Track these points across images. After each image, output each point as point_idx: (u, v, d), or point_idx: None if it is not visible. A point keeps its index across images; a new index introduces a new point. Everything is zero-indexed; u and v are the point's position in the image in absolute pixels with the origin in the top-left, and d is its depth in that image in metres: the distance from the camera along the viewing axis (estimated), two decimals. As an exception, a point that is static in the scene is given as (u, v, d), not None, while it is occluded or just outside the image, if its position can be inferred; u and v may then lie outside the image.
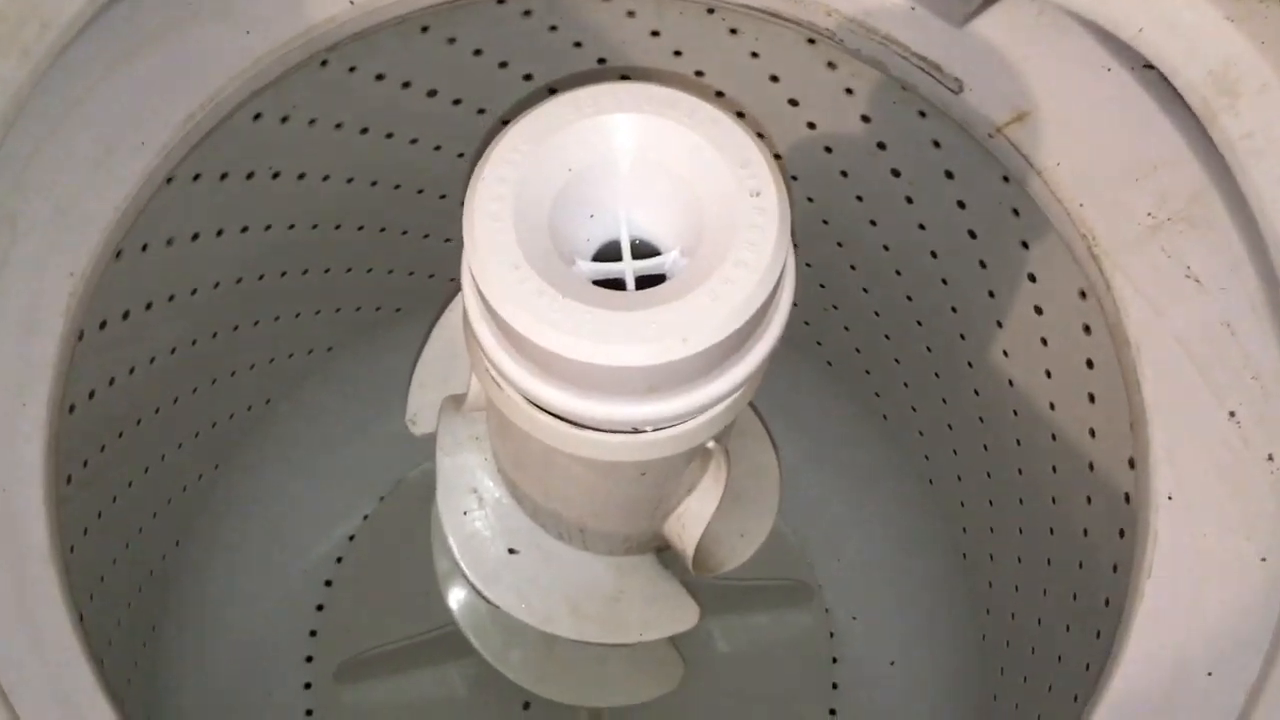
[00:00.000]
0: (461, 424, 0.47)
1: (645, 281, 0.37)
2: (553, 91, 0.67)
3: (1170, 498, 0.43)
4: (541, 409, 0.38)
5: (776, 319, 0.37)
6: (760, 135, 0.36)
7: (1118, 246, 0.46)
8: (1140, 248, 0.46)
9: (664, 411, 0.36)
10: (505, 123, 0.67)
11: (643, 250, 0.38)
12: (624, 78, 0.66)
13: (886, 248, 0.71)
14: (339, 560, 0.83)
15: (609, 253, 0.38)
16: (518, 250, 0.34)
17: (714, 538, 0.47)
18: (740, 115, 0.35)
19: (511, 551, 0.48)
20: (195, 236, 0.60)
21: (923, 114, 0.58)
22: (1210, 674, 0.39)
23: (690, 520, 0.45)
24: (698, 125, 0.35)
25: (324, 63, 0.53)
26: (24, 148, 0.42)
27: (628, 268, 0.37)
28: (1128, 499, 0.54)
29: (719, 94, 0.66)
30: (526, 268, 0.34)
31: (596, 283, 0.36)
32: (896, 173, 0.64)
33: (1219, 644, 0.39)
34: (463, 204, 0.78)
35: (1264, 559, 0.40)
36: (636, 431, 0.38)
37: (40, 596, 0.39)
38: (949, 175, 0.61)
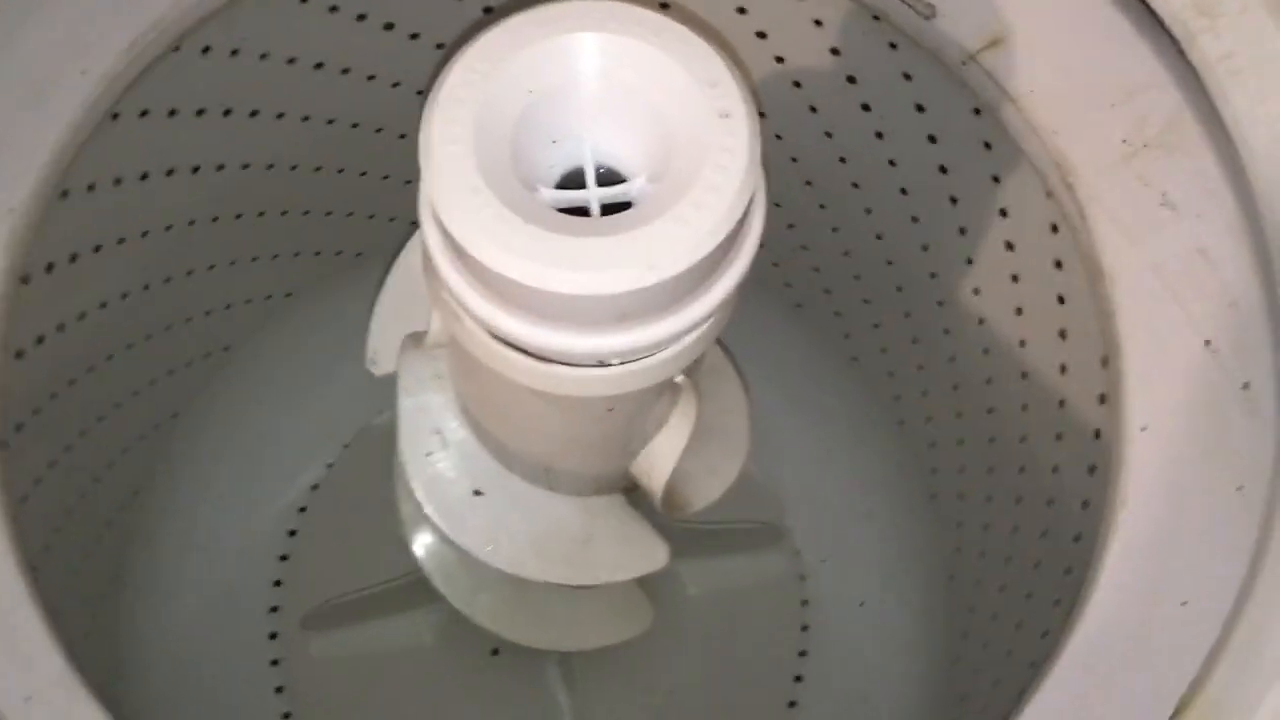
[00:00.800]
0: (423, 363, 0.46)
1: (610, 210, 0.36)
2: (488, 11, 0.65)
3: (1144, 428, 0.42)
4: (505, 343, 0.37)
5: (747, 245, 0.36)
6: (731, 54, 0.34)
7: (1092, 175, 0.46)
8: (1115, 175, 0.45)
9: (631, 343, 0.35)
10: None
11: (608, 178, 0.37)
12: None
13: (856, 185, 0.69)
14: (302, 510, 0.81)
15: (573, 180, 0.37)
16: (477, 175, 0.33)
17: (683, 476, 0.46)
18: (712, 36, 0.34)
19: (477, 493, 0.47)
20: (144, 176, 0.58)
21: (893, 45, 0.57)
22: (1185, 603, 0.39)
23: (658, 459, 0.44)
24: (665, 44, 0.34)
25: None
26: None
27: (592, 195, 0.36)
28: (1098, 435, 0.54)
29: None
30: (487, 193, 0.33)
31: (560, 211, 0.35)
32: (866, 107, 0.63)
33: (1194, 574, 0.39)
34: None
35: (1240, 488, 0.40)
36: (603, 365, 0.37)
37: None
38: (920, 109, 0.60)
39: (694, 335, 0.37)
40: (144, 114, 0.55)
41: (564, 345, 0.35)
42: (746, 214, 0.34)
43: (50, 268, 0.52)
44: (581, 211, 0.36)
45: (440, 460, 0.47)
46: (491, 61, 0.34)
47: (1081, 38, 0.47)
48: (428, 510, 0.47)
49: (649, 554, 0.49)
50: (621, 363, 0.36)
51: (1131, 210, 0.45)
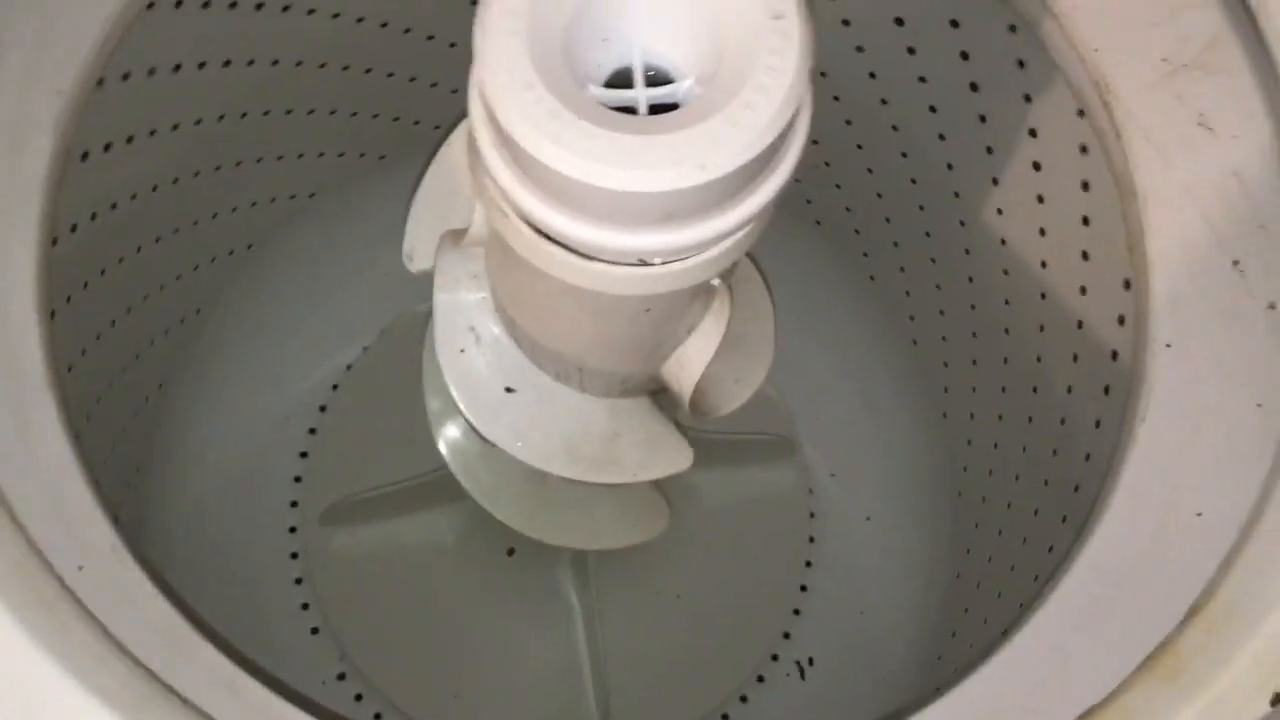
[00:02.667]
0: (460, 260, 0.46)
1: (658, 110, 0.36)
2: None
3: (1169, 345, 0.43)
4: (549, 239, 0.37)
5: (793, 148, 0.36)
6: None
7: (1130, 93, 0.46)
8: (1153, 94, 0.45)
9: (675, 242, 0.36)
10: None
11: (656, 79, 0.37)
12: None
13: (884, 101, 0.69)
14: (323, 409, 0.83)
15: (621, 80, 0.37)
16: (531, 70, 0.33)
17: (710, 381, 0.47)
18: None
19: (509, 390, 0.48)
20: (177, 68, 0.58)
21: (931, -42, 0.57)
22: (1200, 514, 0.40)
23: (689, 361, 0.45)
24: (721, -58, 0.34)
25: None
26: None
27: (640, 95, 0.36)
28: (1115, 356, 0.55)
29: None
30: (541, 88, 0.33)
31: (608, 108, 0.36)
32: (900, 21, 0.63)
33: (1210, 487, 0.40)
34: (453, 45, 0.76)
35: (1260, 404, 0.41)
36: (644, 264, 0.37)
37: (39, 420, 0.38)
38: (954, 24, 0.60)
39: (735, 238, 0.37)
40: (179, 4, 0.54)
41: (608, 242, 0.36)
42: (794, 116, 0.34)
43: (85, 156, 0.53)
44: (628, 111, 0.36)
45: (474, 356, 0.47)
46: (547, -44, 0.34)
47: (1127, -46, 0.46)
48: (460, 404, 0.48)
49: (673, 455, 0.50)
50: (663, 262, 0.37)
51: (1167, 130, 0.45)
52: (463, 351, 0.47)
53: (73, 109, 0.43)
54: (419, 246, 0.48)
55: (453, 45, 0.74)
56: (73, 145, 0.47)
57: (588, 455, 0.48)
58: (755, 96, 0.33)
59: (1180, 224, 0.44)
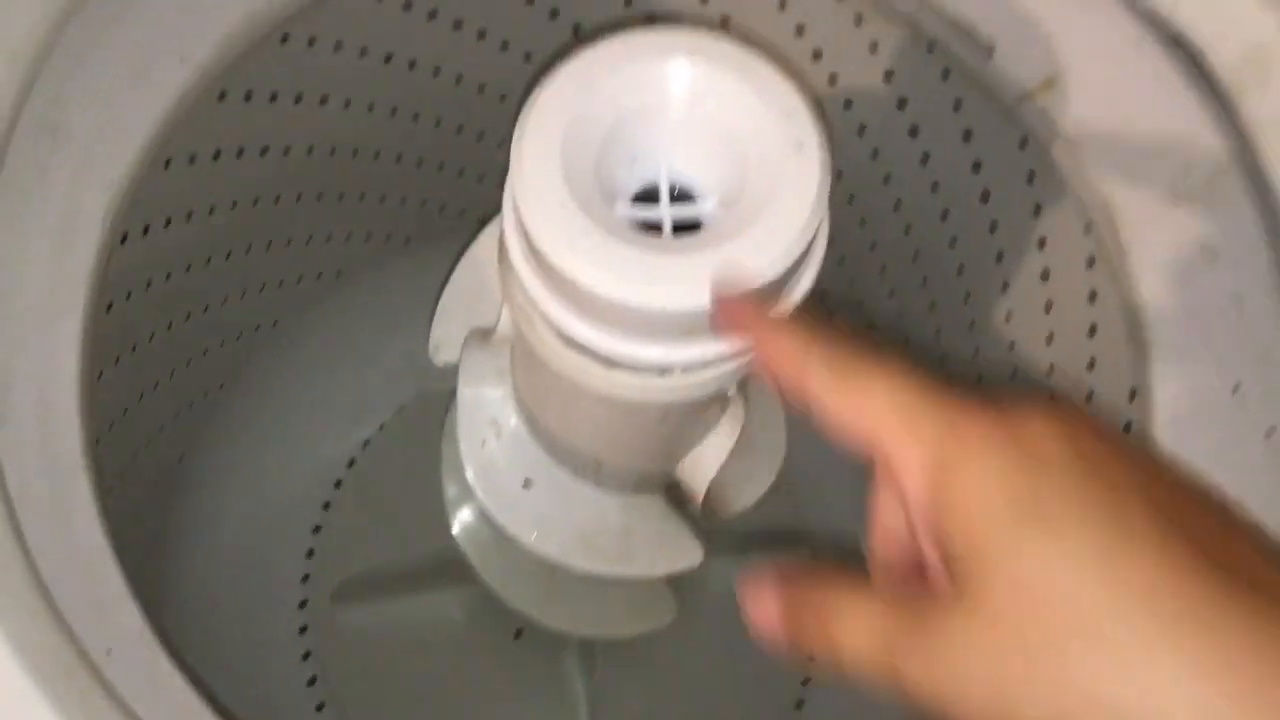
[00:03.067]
0: (485, 357, 0.48)
1: (681, 227, 0.38)
2: (576, 31, 0.68)
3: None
4: (573, 345, 0.39)
5: (810, 267, 0.38)
6: (806, 88, 0.36)
7: (1136, 218, 0.47)
8: (1158, 220, 0.47)
9: (694, 356, 0.37)
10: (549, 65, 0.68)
11: (680, 195, 0.39)
12: (650, 19, 0.66)
13: (898, 205, 0.71)
14: (338, 484, 0.84)
15: (646, 195, 0.39)
16: (564, 189, 0.35)
17: (722, 481, 0.48)
18: (790, 72, 0.36)
19: (527, 483, 0.49)
20: (217, 155, 0.61)
21: (946, 74, 0.59)
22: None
23: (703, 463, 0.46)
24: (746, 75, 0.36)
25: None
26: (66, 60, 0.42)
27: (665, 212, 0.38)
28: (1120, 463, 0.56)
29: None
30: (572, 206, 0.35)
31: (635, 225, 0.37)
32: (915, 131, 0.65)
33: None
34: (480, 136, 0.78)
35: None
36: (665, 374, 0.39)
37: (76, 502, 0.40)
38: (967, 137, 0.62)
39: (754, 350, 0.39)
40: (222, 97, 0.57)
41: (631, 353, 0.37)
42: (813, 239, 0.36)
43: (124, 239, 0.55)
44: (654, 226, 0.38)
45: (495, 449, 0.49)
46: (584, 80, 0.36)
47: (1134, 85, 0.48)
48: (479, 495, 0.49)
49: (685, 552, 0.51)
50: (683, 372, 0.39)
51: (1171, 255, 0.47)
52: (484, 444, 0.49)
53: (121, 198, 0.45)
54: (445, 340, 0.50)
55: (480, 137, 0.76)
56: (116, 230, 0.48)
57: (602, 550, 0.49)
58: (777, 222, 0.35)
59: (1182, 345, 0.46)
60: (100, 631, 0.38)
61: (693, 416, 0.44)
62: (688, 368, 0.38)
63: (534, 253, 0.36)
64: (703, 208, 0.38)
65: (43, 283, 0.42)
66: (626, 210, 0.38)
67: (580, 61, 0.36)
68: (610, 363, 0.38)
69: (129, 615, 0.39)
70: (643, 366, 0.38)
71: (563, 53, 0.38)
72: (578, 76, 0.36)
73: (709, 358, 0.37)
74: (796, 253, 0.35)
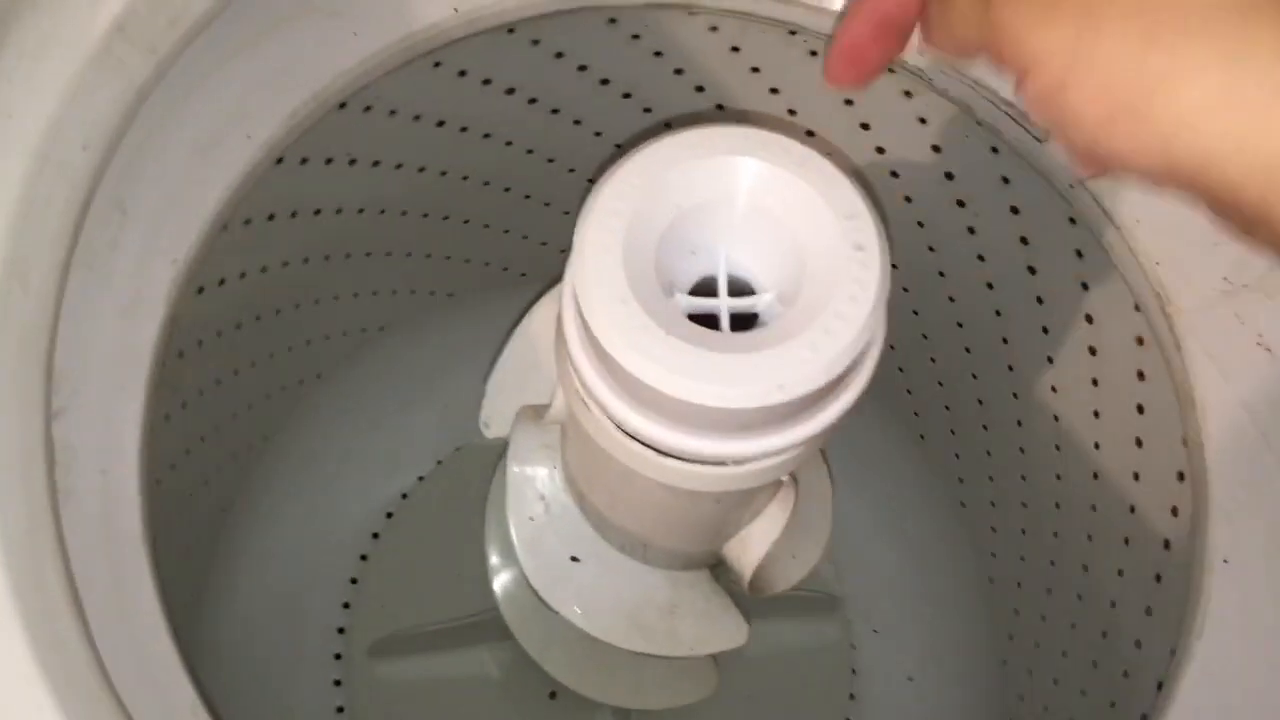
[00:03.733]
0: (534, 433, 0.48)
1: (738, 319, 0.38)
2: (659, 120, 0.69)
3: (1226, 561, 0.44)
4: (629, 434, 0.39)
5: (866, 365, 0.38)
6: (867, 189, 0.37)
7: (1191, 308, 0.47)
8: (1213, 312, 0.47)
9: (751, 450, 0.37)
10: (619, 148, 0.69)
11: (737, 288, 0.39)
12: (719, 108, 0.67)
13: (942, 274, 0.71)
14: (375, 536, 0.84)
15: (704, 288, 0.39)
16: (625, 284, 0.35)
17: (768, 559, 0.48)
18: (857, 173, 0.36)
19: (574, 559, 0.49)
20: (271, 218, 0.61)
21: (995, 149, 0.59)
22: (1256, 741, 0.40)
23: (753, 544, 0.46)
24: (808, 175, 0.36)
25: (437, 64, 0.54)
26: (136, 137, 0.43)
27: (723, 304, 0.38)
28: (1167, 545, 0.55)
29: (810, 133, 0.67)
30: (633, 302, 0.35)
31: (691, 316, 0.38)
32: (961, 203, 0.65)
33: (1268, 712, 0.40)
34: (527, 196, 0.79)
35: (1316, 632, 0.42)
36: (719, 464, 0.39)
37: (133, 577, 0.40)
38: (1015, 211, 0.62)
39: (808, 445, 0.39)
40: (279, 161, 0.58)
41: (687, 446, 0.37)
42: (871, 340, 0.36)
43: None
44: (709, 319, 0.38)
45: (543, 525, 0.49)
46: (646, 177, 0.37)
47: (1190, 176, 0.48)
48: (526, 571, 0.49)
49: (731, 631, 0.51)
50: (738, 464, 0.39)
51: (1227, 347, 0.46)
52: (532, 519, 0.49)
53: (186, 271, 0.46)
54: (496, 415, 0.50)
55: (526, 197, 0.77)
56: (179, 299, 0.49)
57: (647, 627, 0.49)
58: (835, 323, 0.35)
59: (1237, 438, 0.46)
60: (154, 708, 0.38)
61: (745, 501, 0.44)
62: (744, 460, 0.38)
63: (593, 344, 0.36)
64: (759, 300, 0.38)
65: (109, 357, 0.42)
66: (685, 301, 0.38)
67: (646, 154, 0.37)
68: (665, 453, 0.39)
69: (182, 691, 0.39)
70: (700, 458, 0.38)
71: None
72: (640, 170, 0.37)
73: (765, 451, 0.38)
74: (853, 355, 0.35)
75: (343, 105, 0.57)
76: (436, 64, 0.60)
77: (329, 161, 0.62)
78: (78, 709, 0.34)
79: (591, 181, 0.76)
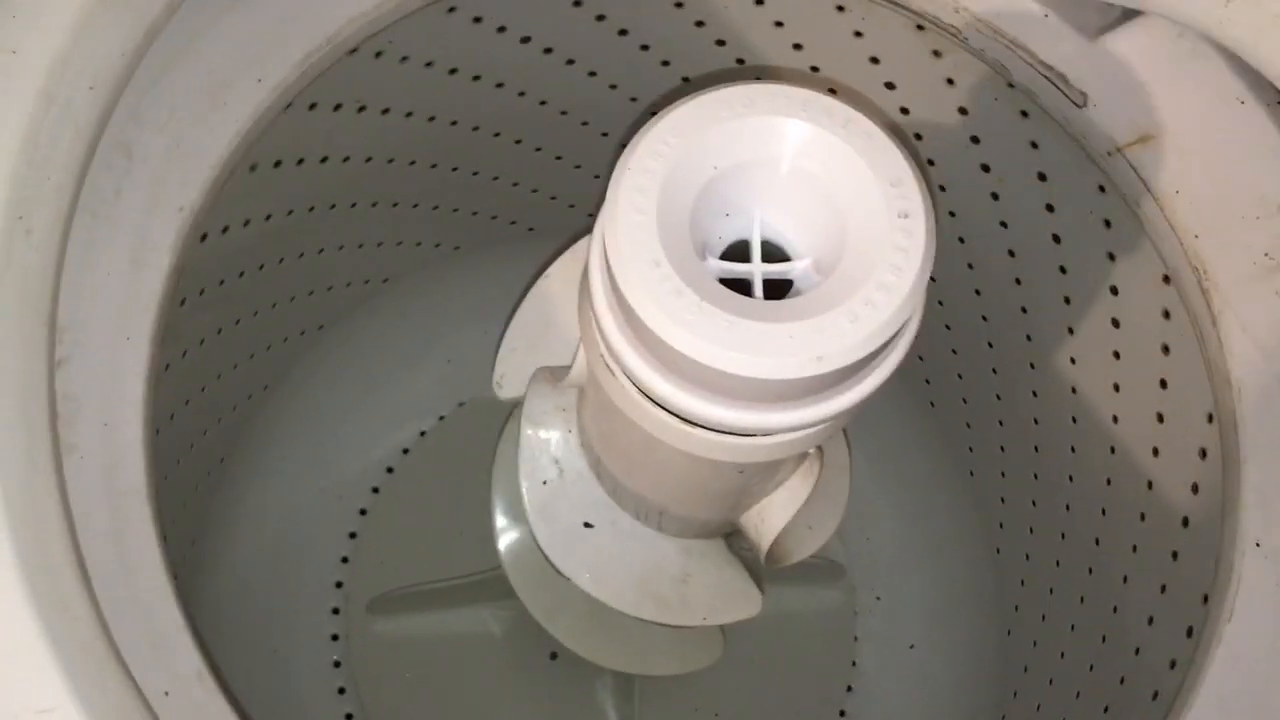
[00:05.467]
0: (550, 396, 0.47)
1: (771, 284, 0.37)
2: (678, 75, 0.66)
3: (1258, 544, 0.43)
4: (655, 401, 0.38)
5: (904, 340, 0.36)
6: (913, 154, 0.35)
7: (1229, 283, 0.46)
8: (1253, 287, 0.46)
9: (781, 421, 0.36)
10: (635, 102, 0.67)
11: (771, 253, 0.37)
12: (740, 62, 0.65)
13: (962, 240, 0.70)
14: (375, 490, 0.83)
15: (736, 251, 0.38)
16: (659, 246, 0.34)
17: (786, 530, 0.47)
18: (899, 134, 0.35)
19: (587, 525, 0.48)
20: (277, 164, 0.60)
21: (1025, 114, 0.57)
22: (1286, 727, 0.40)
23: (772, 514, 0.45)
24: (851, 136, 0.35)
25: (452, 9, 0.52)
26: (143, 79, 0.41)
27: (757, 270, 0.37)
28: (1186, 523, 0.54)
29: (832, 91, 0.65)
30: (667, 266, 0.34)
31: (721, 280, 0.36)
32: (986, 168, 0.64)
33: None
34: (538, 149, 0.77)
35: (1350, 618, 0.41)
36: (749, 435, 0.37)
37: (138, 537, 0.39)
38: (1042, 178, 0.60)
39: (842, 418, 0.37)
40: (287, 107, 0.56)
41: (718, 415, 0.36)
42: (912, 312, 0.35)
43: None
44: (740, 283, 0.37)
45: (556, 490, 0.48)
46: (682, 136, 0.35)
47: (1233, 148, 0.47)
48: (537, 537, 0.48)
49: (745, 601, 0.50)
50: (766, 435, 0.37)
51: (1266, 324, 0.45)
52: (545, 483, 0.48)
53: (193, 219, 0.44)
54: (510, 375, 0.49)
55: (537, 149, 0.75)
56: (184, 247, 0.47)
57: (658, 595, 0.48)
58: (878, 294, 0.33)
59: (1274, 419, 0.44)
60: (159, 673, 0.37)
61: (767, 473, 0.43)
62: (775, 431, 0.37)
63: (623, 306, 0.35)
64: (794, 267, 0.37)
65: (114, 306, 0.41)
66: (717, 265, 0.36)
67: (683, 112, 0.35)
68: (692, 422, 0.37)
69: (187, 656, 0.38)
70: (729, 428, 0.37)
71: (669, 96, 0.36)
72: (676, 129, 0.35)
73: (798, 423, 0.36)
74: (898, 324, 0.34)
75: (354, 50, 0.55)
76: (451, 9, 0.58)
77: (338, 108, 0.60)
78: (81, 673, 0.33)
79: (607, 136, 0.74)
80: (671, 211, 0.35)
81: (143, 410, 0.41)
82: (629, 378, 0.37)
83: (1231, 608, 0.42)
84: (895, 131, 0.36)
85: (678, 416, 0.37)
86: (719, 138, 0.35)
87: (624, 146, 0.36)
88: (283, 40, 0.45)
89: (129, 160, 0.41)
